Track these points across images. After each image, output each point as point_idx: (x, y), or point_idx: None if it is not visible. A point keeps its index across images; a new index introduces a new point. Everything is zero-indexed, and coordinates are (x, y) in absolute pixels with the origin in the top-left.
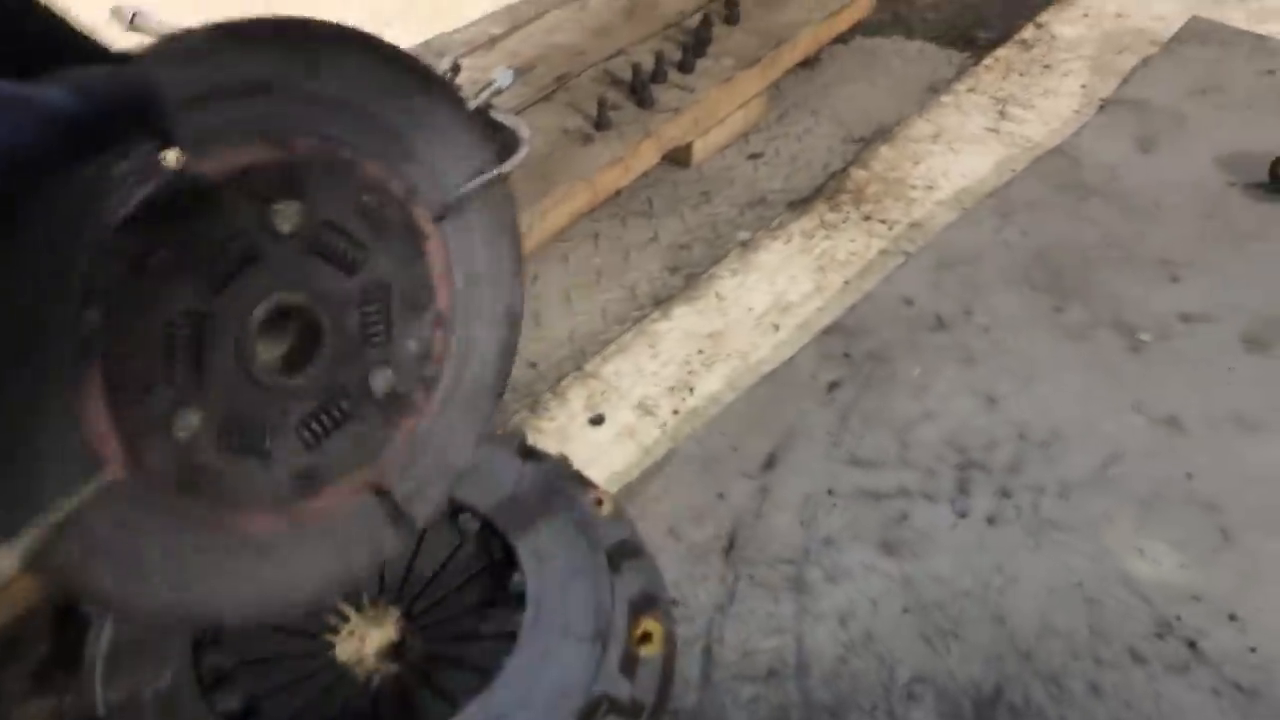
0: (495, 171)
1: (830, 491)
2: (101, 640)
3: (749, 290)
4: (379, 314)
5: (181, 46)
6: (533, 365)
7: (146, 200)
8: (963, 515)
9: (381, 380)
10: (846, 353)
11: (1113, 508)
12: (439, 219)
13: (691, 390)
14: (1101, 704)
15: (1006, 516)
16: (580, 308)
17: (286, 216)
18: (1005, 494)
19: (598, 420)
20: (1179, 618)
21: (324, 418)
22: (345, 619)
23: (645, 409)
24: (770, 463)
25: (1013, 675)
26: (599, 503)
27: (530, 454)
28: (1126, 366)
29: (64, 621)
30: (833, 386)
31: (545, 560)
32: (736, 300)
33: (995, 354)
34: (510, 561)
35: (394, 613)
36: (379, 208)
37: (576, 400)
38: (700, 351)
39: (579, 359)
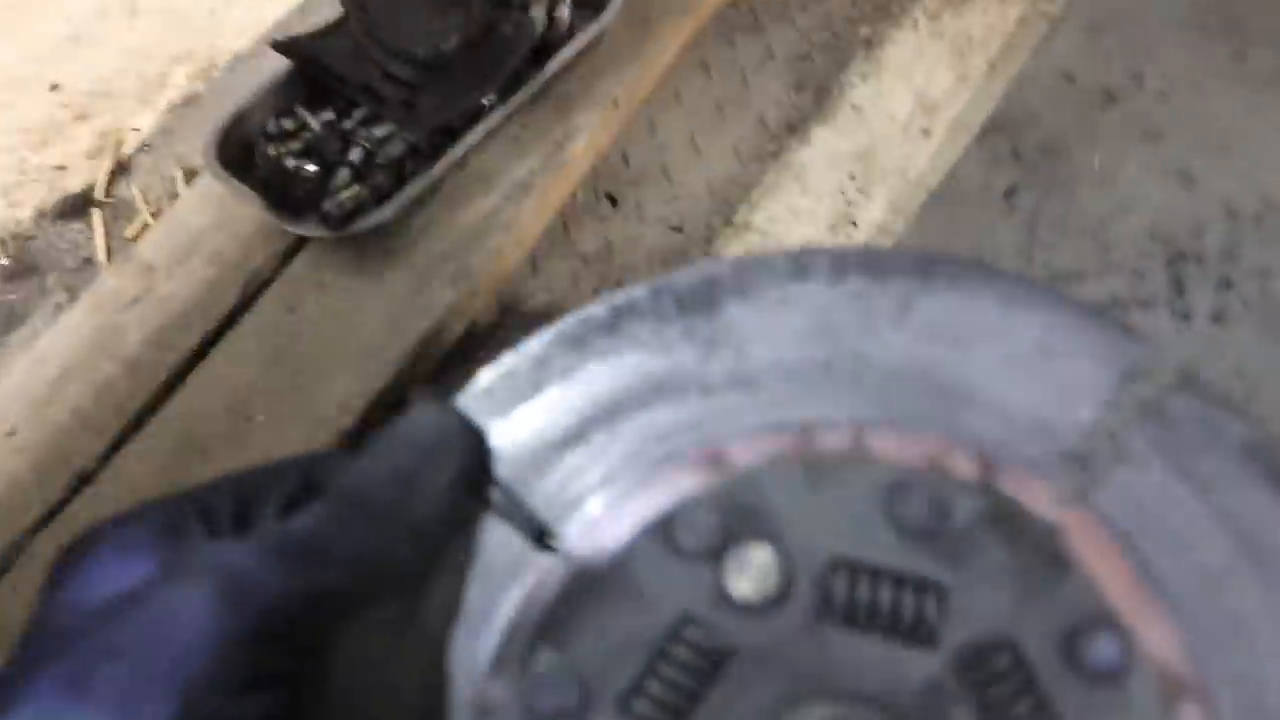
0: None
1: None
2: None
3: (886, 95)
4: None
5: None
6: (677, 229)
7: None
8: (1186, 318)
9: None
10: (1014, 151)
11: None
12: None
13: (855, 224)
14: None
15: (1234, 311)
16: (710, 152)
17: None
18: (1227, 284)
19: None
20: None
21: None
22: None
23: None
24: None
25: None
26: None
27: None
28: None
29: None
30: (1009, 193)
31: None
32: (876, 109)
33: (1180, 123)
34: None
35: None
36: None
37: None
38: (852, 177)
39: (725, 211)
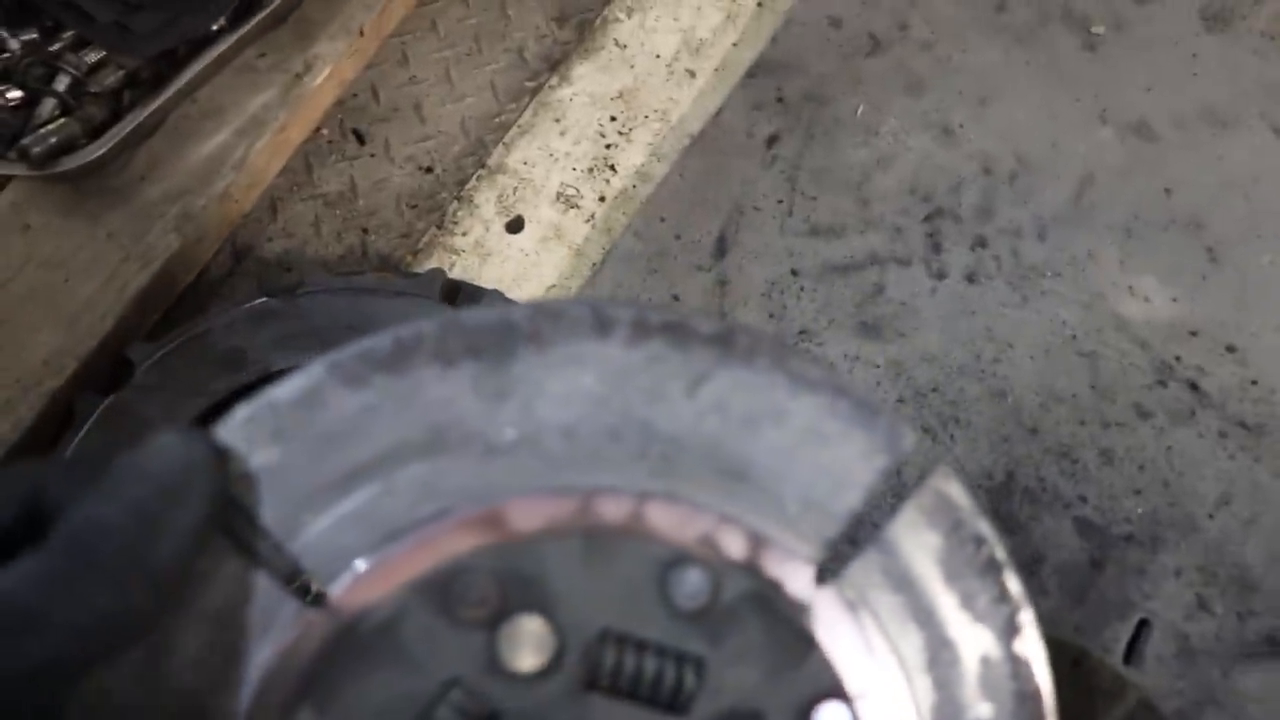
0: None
1: (794, 272)
2: None
3: (651, 32)
4: None
5: None
6: (428, 170)
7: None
8: (941, 277)
9: None
10: (779, 96)
11: (1094, 242)
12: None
13: (614, 169)
14: (1116, 471)
15: (987, 270)
16: (466, 87)
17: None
18: (981, 244)
19: (516, 225)
20: (1178, 358)
21: None
22: None
23: (567, 201)
24: (721, 248)
25: (1023, 456)
26: None
27: (454, 292)
28: (1085, 69)
29: None
30: (772, 141)
31: None
32: (640, 46)
33: (942, 74)
34: None
35: None
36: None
37: (487, 204)
38: (613, 118)
39: (480, 152)
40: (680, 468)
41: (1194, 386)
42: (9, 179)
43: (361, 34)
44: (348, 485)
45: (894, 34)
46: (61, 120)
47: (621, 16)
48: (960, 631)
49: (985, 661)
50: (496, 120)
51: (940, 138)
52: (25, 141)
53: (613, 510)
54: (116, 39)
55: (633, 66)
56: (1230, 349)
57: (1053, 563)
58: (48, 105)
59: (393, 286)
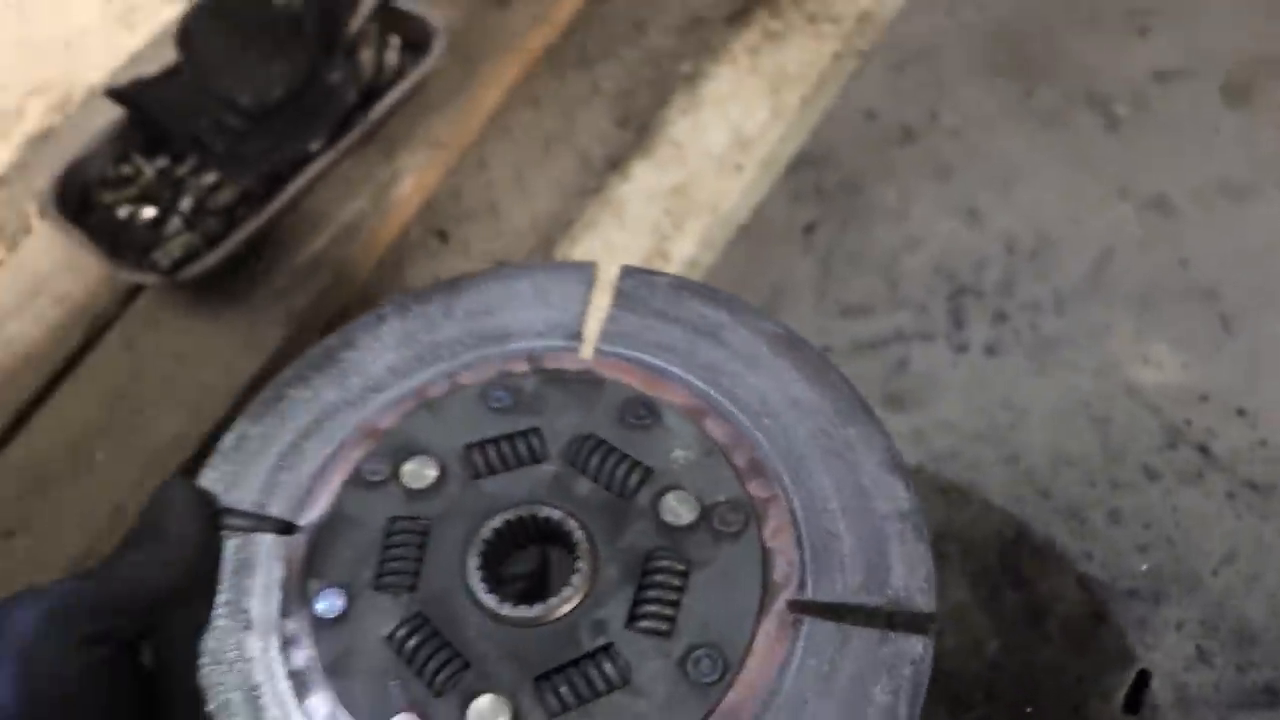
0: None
1: (827, 349)
2: None
3: (704, 130)
4: None
5: None
6: (501, 265)
7: None
8: (962, 350)
9: None
10: (818, 187)
11: (1111, 314)
12: None
13: (666, 258)
14: (1122, 529)
15: (1006, 343)
16: (535, 187)
17: None
18: (1002, 317)
19: None
20: (1188, 422)
21: None
22: None
23: None
24: None
25: (1033, 516)
26: None
27: None
28: (1106, 148)
29: None
30: (809, 229)
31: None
32: (694, 144)
33: (970, 160)
34: None
35: None
36: None
37: None
38: (668, 212)
39: (546, 246)
40: (461, 350)
41: (1203, 449)
42: (143, 287)
43: (441, 145)
44: (293, 451)
45: (925, 123)
46: (185, 235)
47: (676, 118)
48: None
49: None
50: (562, 217)
51: (966, 219)
52: (155, 255)
53: (438, 388)
54: (230, 164)
55: (686, 163)
56: (1241, 412)
57: (1058, 615)
58: (174, 222)
59: None
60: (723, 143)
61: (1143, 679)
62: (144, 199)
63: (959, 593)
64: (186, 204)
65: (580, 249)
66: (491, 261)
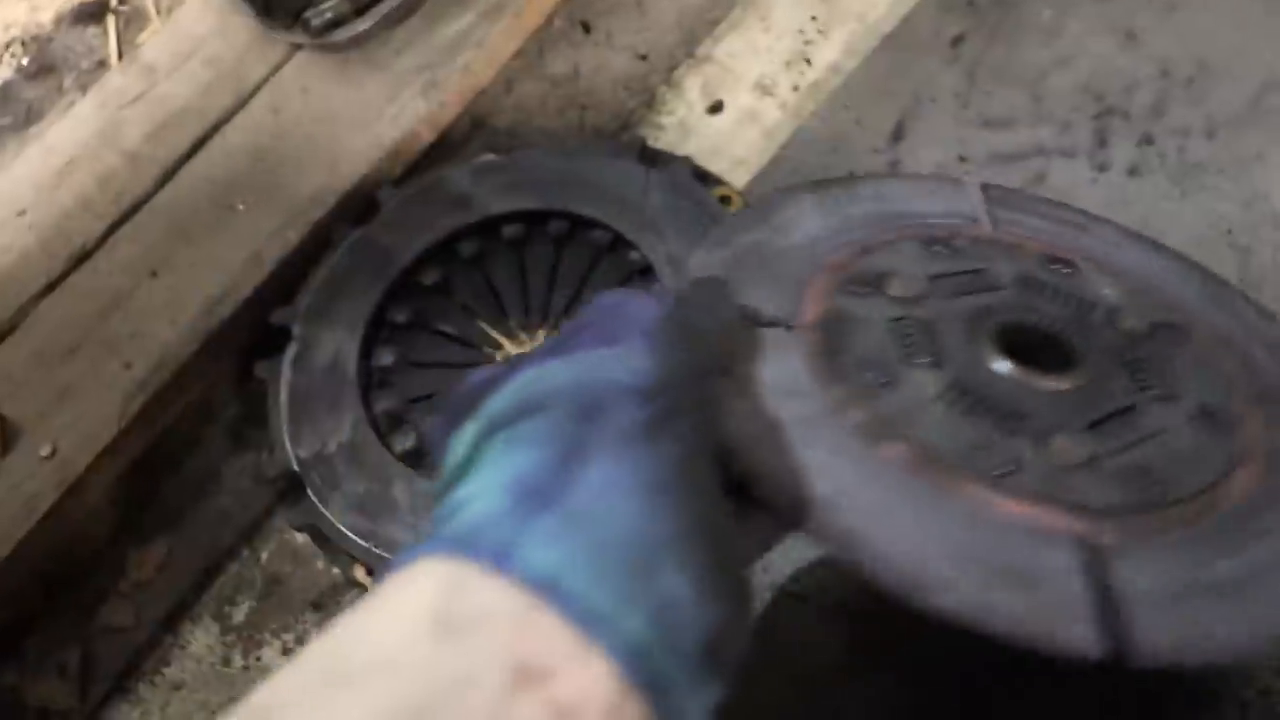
0: None
1: (962, 159)
2: (282, 399)
3: None
4: None
5: None
6: (643, 57)
7: None
8: (1103, 169)
9: None
10: (970, 1)
11: (1265, 143)
12: None
13: (809, 62)
14: None
15: (1150, 165)
16: None
17: None
18: (1148, 140)
19: (716, 108)
20: None
21: None
22: (499, 346)
23: (764, 89)
24: (898, 133)
25: None
26: (726, 199)
27: (653, 158)
28: None
29: (245, 381)
30: (957, 41)
31: (680, 265)
32: None
33: None
34: (647, 270)
35: (541, 334)
36: None
37: (693, 89)
38: (814, 18)
39: (689, 43)
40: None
41: None
42: (297, 50)
43: None
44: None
45: None
46: (336, 1)
47: None
48: None
49: None
50: (708, 16)
51: (1122, 41)
52: (307, 14)
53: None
54: None
55: None
56: None
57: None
58: None
59: (597, 149)
60: None
61: None
62: None
63: None
64: None
65: (723, 48)
66: (634, 55)
